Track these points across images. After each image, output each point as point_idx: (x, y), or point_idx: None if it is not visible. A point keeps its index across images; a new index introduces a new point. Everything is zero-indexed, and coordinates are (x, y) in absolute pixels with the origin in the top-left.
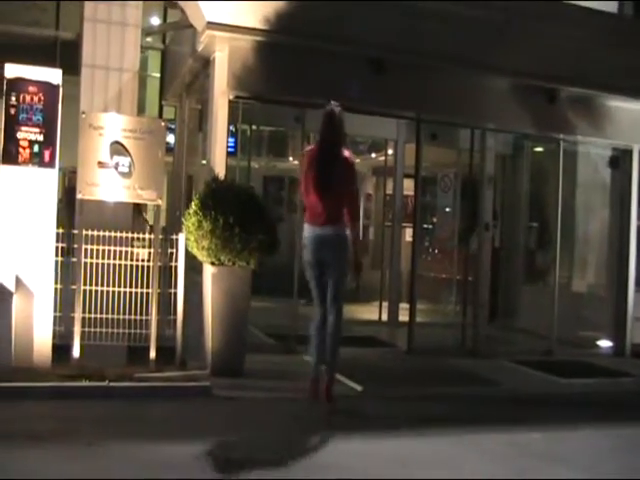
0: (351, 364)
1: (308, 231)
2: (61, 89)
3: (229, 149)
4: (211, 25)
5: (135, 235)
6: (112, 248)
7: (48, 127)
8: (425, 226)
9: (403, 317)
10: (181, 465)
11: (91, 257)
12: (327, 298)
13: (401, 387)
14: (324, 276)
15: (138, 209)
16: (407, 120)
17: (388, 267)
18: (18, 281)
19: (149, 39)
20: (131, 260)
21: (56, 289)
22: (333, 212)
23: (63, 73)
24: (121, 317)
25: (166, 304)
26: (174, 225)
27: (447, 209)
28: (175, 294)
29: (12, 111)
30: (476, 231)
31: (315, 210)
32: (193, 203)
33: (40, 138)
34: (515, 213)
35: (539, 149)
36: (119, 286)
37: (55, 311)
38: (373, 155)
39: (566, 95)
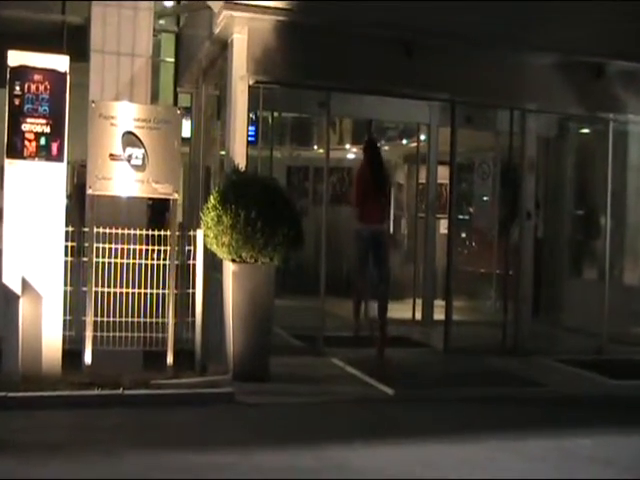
0: (383, 366)
1: (365, 228)
2: (69, 77)
3: (249, 138)
4: (229, 5)
5: (151, 233)
6: (126, 246)
7: (55, 118)
8: (461, 217)
9: (438, 315)
10: (203, 475)
11: (103, 256)
12: (378, 274)
13: (436, 389)
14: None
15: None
16: (440, 102)
17: (422, 262)
18: (25, 283)
19: (162, 22)
20: (146, 259)
21: (66, 291)
22: (384, 214)
23: (71, 60)
24: (136, 320)
25: (184, 305)
26: (192, 221)
27: (485, 198)
28: (193, 294)
29: (17, 101)
30: (517, 221)
31: (372, 212)
32: (212, 197)
33: (47, 130)
34: (559, 200)
35: (585, 130)
36: (133, 287)
37: (65, 315)
38: (404, 141)
39: (615, 70)
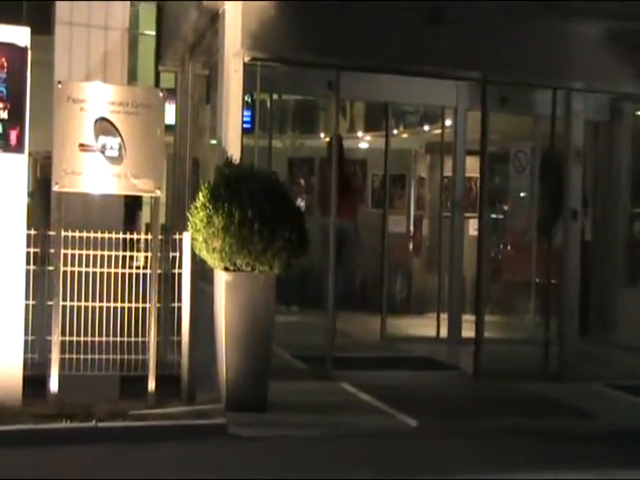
0: (403, 392)
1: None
2: (30, 53)
3: (245, 125)
4: None
5: (128, 236)
6: (99, 253)
7: (14, 101)
8: (494, 216)
9: (467, 332)
10: None
11: (72, 265)
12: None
13: (466, 420)
14: None
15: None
16: (470, 82)
17: (447, 269)
18: None
19: None
20: (123, 268)
21: (27, 306)
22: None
23: (33, 33)
24: (111, 340)
25: (168, 322)
26: (177, 222)
27: (522, 193)
28: (179, 309)
29: None
30: (560, 221)
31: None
32: (201, 194)
33: (4, 115)
34: (612, 196)
35: None
36: (108, 301)
37: (27, 334)
38: (426, 128)
39: None
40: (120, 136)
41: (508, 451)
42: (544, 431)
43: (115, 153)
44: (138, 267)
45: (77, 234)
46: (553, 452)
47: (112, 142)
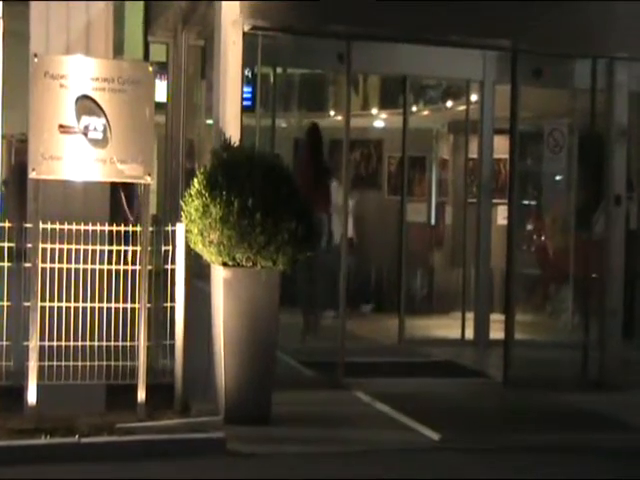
0: (425, 402)
1: None
2: (2, 23)
3: (245, 103)
4: None
5: (115, 228)
6: (82, 247)
7: None
8: (526, 202)
9: (496, 334)
10: None
11: (52, 261)
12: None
13: (494, 435)
14: None
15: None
16: (498, 51)
17: (473, 262)
18: None
19: None
20: (110, 264)
21: (1, 307)
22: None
23: (5, 0)
24: (96, 344)
25: (160, 324)
26: (169, 212)
27: (558, 177)
28: (172, 310)
29: None
30: (602, 207)
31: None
32: (196, 180)
33: None
34: None
35: None
36: (93, 301)
37: (0, 339)
38: (449, 104)
39: None
40: (105, 116)
41: (541, 470)
42: (583, 447)
43: (99, 135)
44: (125, 263)
45: (57, 226)
46: (594, 471)
47: (96, 123)
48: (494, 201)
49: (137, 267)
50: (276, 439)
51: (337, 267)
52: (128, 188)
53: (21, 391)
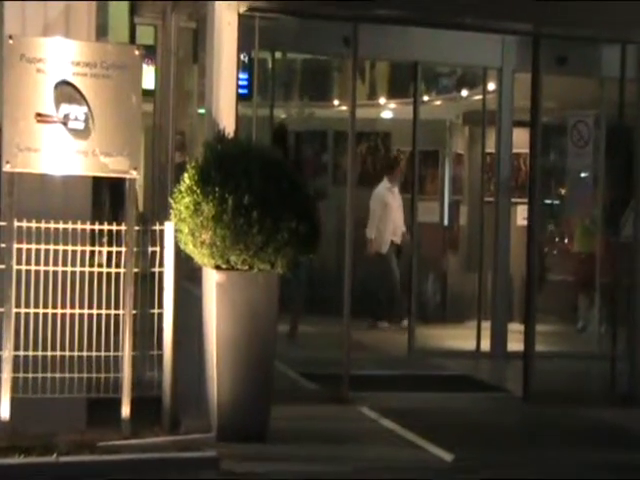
0: (436, 418)
1: None
2: None
3: (241, 90)
4: None
5: (97, 227)
6: (62, 248)
7: None
8: (548, 202)
9: (515, 345)
10: None
11: (28, 262)
12: None
13: (514, 454)
14: None
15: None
16: (519, 37)
17: (490, 267)
18: None
19: None
20: (92, 266)
21: None
22: None
23: None
24: (76, 354)
25: (147, 332)
26: (158, 210)
27: (583, 174)
28: (160, 316)
29: None
30: (631, 207)
31: None
32: (186, 175)
33: None
34: None
35: None
36: (73, 307)
37: None
38: (464, 93)
39: None
40: (87, 104)
41: None
42: (611, 467)
43: (80, 125)
44: (100, 265)
45: (34, 224)
46: None
47: (77, 111)
48: (513, 200)
49: (122, 270)
50: (274, 457)
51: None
52: (116, 184)
53: None
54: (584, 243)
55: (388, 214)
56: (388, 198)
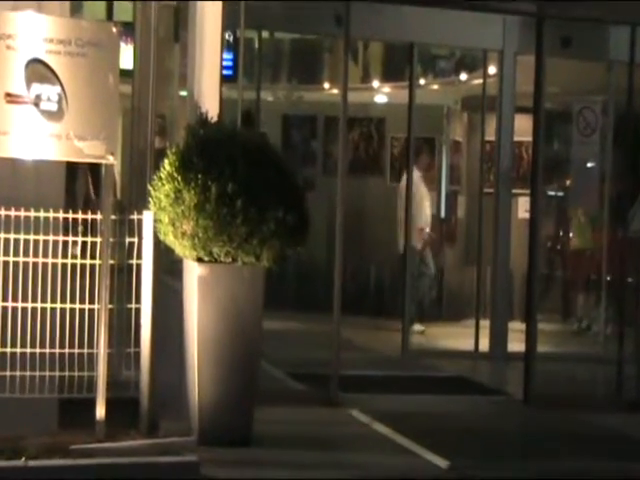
0: (432, 423)
1: None
2: None
3: (225, 71)
4: None
5: (71, 215)
6: (32, 237)
7: None
8: (551, 193)
9: (515, 345)
10: None
11: None
12: None
13: (514, 462)
14: None
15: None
16: (521, 17)
17: (489, 262)
18: None
19: None
20: (64, 257)
21: None
22: None
23: None
24: (47, 351)
25: (123, 329)
26: (136, 198)
27: (589, 164)
28: (138, 312)
29: None
30: (639, 200)
31: None
32: (167, 161)
33: None
34: None
35: None
36: (44, 300)
37: None
38: (463, 77)
39: None
40: (60, 84)
41: None
42: (618, 478)
43: (53, 106)
44: (75, 256)
45: (2, 212)
46: None
47: (49, 92)
48: (514, 191)
49: (97, 261)
50: (258, 463)
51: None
52: (91, 170)
53: None
54: (589, 238)
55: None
56: None
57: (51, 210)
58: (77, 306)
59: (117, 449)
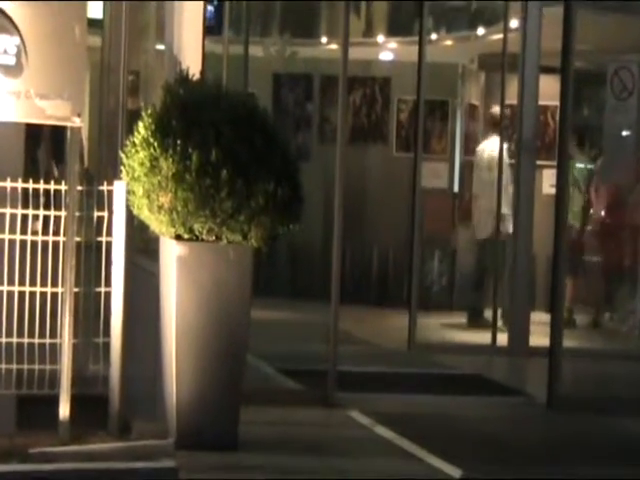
0: (442, 426)
1: None
2: None
3: (208, 23)
4: None
5: (31, 186)
6: None
7: None
8: (581, 165)
9: (538, 339)
10: None
11: None
12: None
13: (533, 472)
14: None
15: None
16: None
17: (508, 244)
18: None
19: None
20: (24, 233)
21: None
22: None
23: None
24: (3, 341)
25: (91, 316)
26: (106, 166)
27: (625, 131)
28: (108, 296)
29: None
30: None
31: None
32: (141, 125)
33: None
34: None
35: None
36: (1, 283)
37: None
38: (480, 31)
39: None
40: (19, 35)
41: None
42: None
43: (11, 60)
44: (35, 232)
45: None
46: None
47: (7, 43)
48: (539, 163)
49: (61, 238)
50: (244, 468)
51: None
52: (55, 133)
53: None
54: (624, 217)
55: None
56: None
57: (8, 179)
58: (38, 289)
59: (84, 453)
